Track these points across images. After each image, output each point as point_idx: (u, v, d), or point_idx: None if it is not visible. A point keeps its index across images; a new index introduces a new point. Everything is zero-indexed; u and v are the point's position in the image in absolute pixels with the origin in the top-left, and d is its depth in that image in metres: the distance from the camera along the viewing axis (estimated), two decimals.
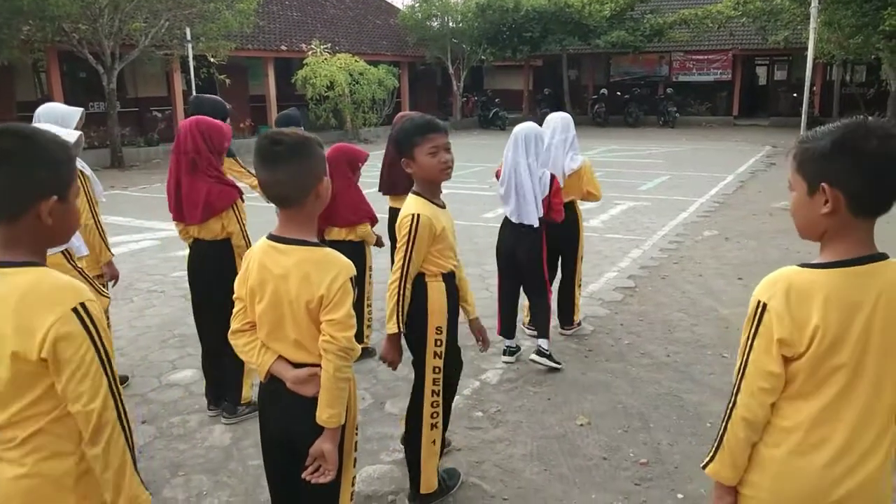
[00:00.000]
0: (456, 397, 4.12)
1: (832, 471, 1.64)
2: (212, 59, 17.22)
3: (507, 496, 3.24)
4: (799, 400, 1.66)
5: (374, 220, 4.64)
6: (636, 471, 3.43)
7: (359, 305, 4.64)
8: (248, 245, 3.65)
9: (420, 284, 2.93)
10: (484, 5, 24.87)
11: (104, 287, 4.13)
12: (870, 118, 1.62)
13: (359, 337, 4.72)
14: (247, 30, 18.05)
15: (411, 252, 2.85)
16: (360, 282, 4.64)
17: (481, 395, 4.26)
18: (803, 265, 1.65)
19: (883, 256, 1.64)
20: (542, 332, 4.68)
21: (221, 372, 3.96)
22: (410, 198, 2.93)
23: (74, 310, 1.50)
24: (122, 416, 1.58)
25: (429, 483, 3.08)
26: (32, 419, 1.53)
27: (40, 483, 1.54)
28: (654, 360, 4.77)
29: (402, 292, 2.89)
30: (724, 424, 1.74)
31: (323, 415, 2.07)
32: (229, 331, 2.28)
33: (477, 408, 4.10)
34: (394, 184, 5.04)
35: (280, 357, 2.15)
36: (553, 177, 4.55)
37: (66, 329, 1.49)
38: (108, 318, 4.35)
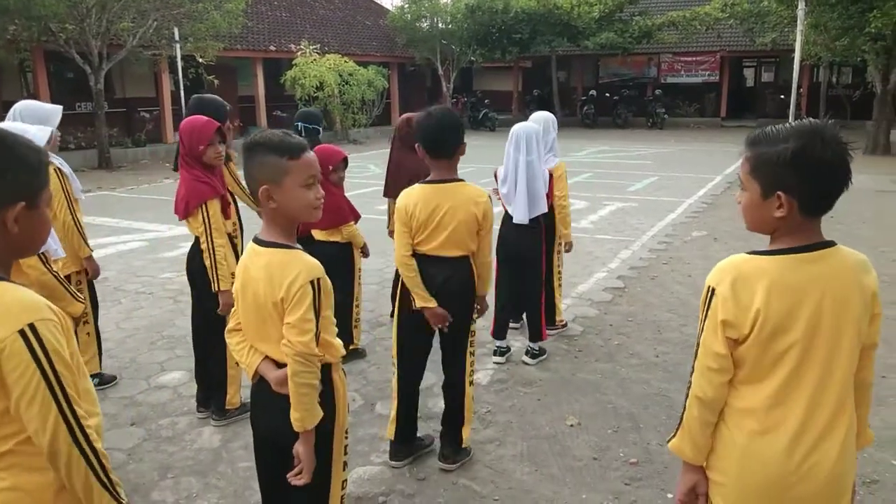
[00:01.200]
0: None
1: (793, 455, 1.69)
2: (200, 60, 17.15)
3: (498, 497, 3.24)
4: (754, 383, 1.74)
5: (356, 217, 4.62)
6: (626, 471, 3.44)
7: (347, 307, 4.65)
8: (212, 248, 3.60)
9: (470, 265, 3.27)
10: (473, 6, 24.89)
11: (80, 290, 4.09)
12: (816, 121, 1.67)
13: (347, 338, 4.75)
14: (235, 30, 17.97)
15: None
16: (348, 283, 4.63)
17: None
18: (752, 252, 1.73)
19: (830, 244, 1.71)
20: (535, 334, 4.73)
21: (206, 374, 3.95)
22: (472, 186, 3.24)
23: (21, 331, 1.39)
24: (80, 440, 1.47)
25: (467, 436, 3.50)
26: (1, 440, 1.46)
27: (19, 497, 1.48)
28: (643, 360, 4.79)
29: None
30: (684, 403, 1.84)
31: (291, 418, 2.06)
32: (226, 328, 2.29)
33: None
34: (399, 187, 5.04)
35: (267, 358, 2.16)
36: (550, 175, 4.66)
37: (9, 352, 1.38)
38: (95, 322, 4.34)
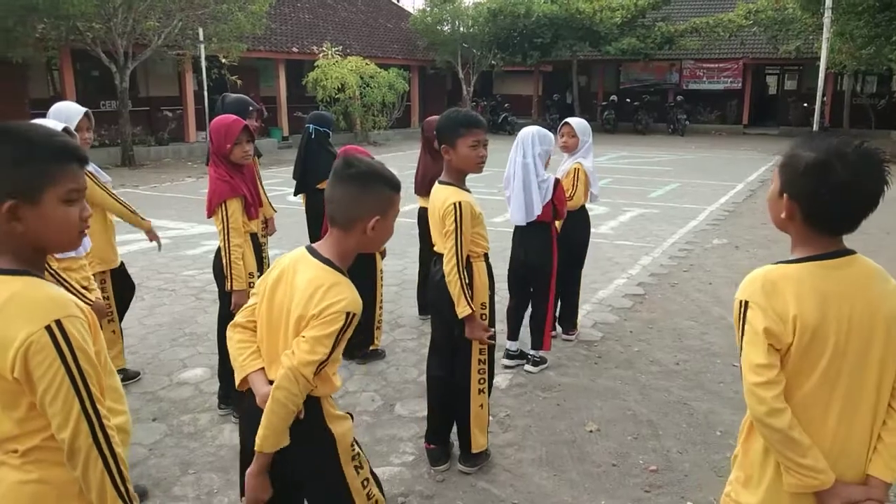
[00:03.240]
0: None
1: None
2: (223, 60, 17.30)
3: (517, 500, 3.24)
4: (790, 392, 1.69)
5: None
6: (646, 478, 3.43)
7: (371, 308, 4.67)
8: (228, 247, 3.63)
9: (466, 265, 3.18)
10: (495, 10, 24.91)
11: (103, 289, 4.16)
12: (858, 143, 1.64)
13: (369, 340, 4.77)
14: (258, 31, 18.12)
15: (460, 237, 3.10)
16: (370, 285, 4.65)
17: (491, 400, 4.24)
18: (775, 263, 1.73)
19: (850, 252, 1.71)
20: (537, 342, 4.65)
21: (228, 371, 3.99)
22: (444, 188, 3.19)
23: (48, 327, 1.41)
24: (100, 440, 1.47)
25: (478, 443, 3.42)
26: (27, 436, 1.48)
27: (46, 490, 1.50)
28: (663, 367, 4.77)
29: (462, 275, 3.13)
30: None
31: (257, 434, 1.93)
32: (230, 322, 2.20)
33: None
34: (431, 185, 5.09)
35: (261, 370, 2.06)
36: (558, 181, 4.50)
37: (36, 348, 1.40)
38: (115, 318, 4.39)
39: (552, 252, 4.52)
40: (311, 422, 2.00)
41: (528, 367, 4.68)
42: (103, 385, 1.52)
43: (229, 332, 2.17)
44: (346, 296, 1.95)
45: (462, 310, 3.13)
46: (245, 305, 2.18)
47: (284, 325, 1.99)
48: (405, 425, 3.92)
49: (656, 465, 3.53)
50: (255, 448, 1.94)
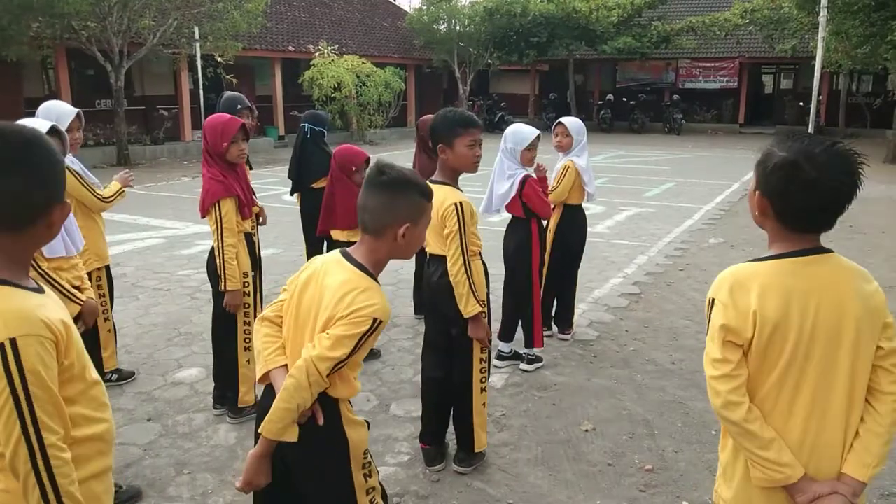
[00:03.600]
0: None
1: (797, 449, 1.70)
2: (219, 59, 17.27)
3: (512, 500, 3.24)
4: (755, 389, 1.72)
5: None
6: (641, 477, 3.43)
7: None
8: (221, 247, 3.62)
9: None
10: (492, 9, 24.90)
11: (99, 286, 4.16)
12: (829, 144, 1.66)
13: None
14: (254, 30, 18.09)
15: (464, 236, 3.13)
16: None
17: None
18: (749, 261, 1.77)
19: (825, 250, 1.72)
20: (528, 340, 4.64)
21: (220, 371, 3.99)
22: (440, 188, 3.06)
23: (0, 345, 1.35)
24: (40, 467, 1.39)
25: (480, 442, 3.43)
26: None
27: (10, 499, 1.45)
28: (659, 366, 4.77)
29: (469, 274, 3.15)
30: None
31: (265, 419, 1.93)
32: (259, 315, 2.19)
33: None
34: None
35: (283, 367, 2.06)
36: (527, 178, 4.36)
37: None
38: (110, 317, 4.38)
39: (530, 249, 4.44)
40: (327, 424, 1.99)
41: (522, 365, 4.67)
42: (61, 408, 1.45)
43: (257, 325, 2.17)
44: (376, 302, 1.96)
45: (471, 309, 3.15)
46: (274, 300, 2.18)
47: (312, 325, 2.00)
48: (401, 425, 3.92)
49: (652, 464, 3.54)
50: (259, 430, 1.94)
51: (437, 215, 3.07)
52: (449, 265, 3.16)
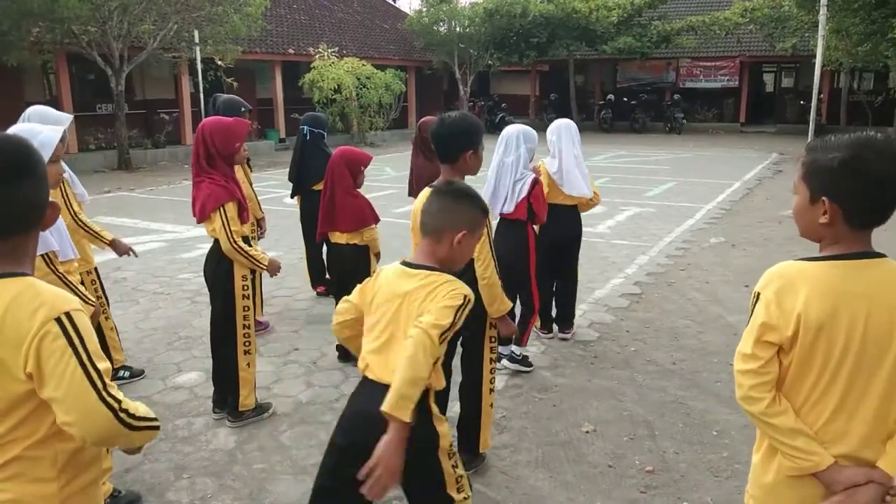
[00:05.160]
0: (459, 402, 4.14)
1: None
2: (219, 63, 17.28)
3: (512, 503, 3.23)
4: (795, 389, 1.72)
5: (376, 221, 4.61)
6: (642, 478, 3.41)
7: None
8: (236, 246, 3.64)
9: (469, 268, 3.13)
10: (491, 10, 24.90)
11: (95, 289, 4.21)
12: (878, 135, 1.67)
13: None
14: (254, 33, 18.11)
15: (490, 238, 3.19)
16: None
17: None
18: (799, 259, 1.74)
19: (879, 255, 1.70)
20: (517, 337, 4.52)
21: (220, 374, 3.98)
22: None
23: (58, 319, 1.44)
24: (126, 418, 1.49)
25: (486, 442, 3.48)
26: (10, 444, 1.47)
27: None
28: (660, 367, 4.76)
29: (498, 275, 3.21)
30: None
31: (387, 400, 1.93)
32: (334, 321, 2.41)
33: None
34: (421, 184, 5.10)
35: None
36: (536, 181, 4.32)
37: (50, 338, 1.42)
38: (109, 315, 4.42)
39: (528, 250, 4.33)
40: (419, 419, 2.04)
41: (504, 361, 4.61)
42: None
43: (338, 333, 2.46)
44: (462, 285, 2.16)
45: (505, 306, 3.23)
46: (341, 307, 2.41)
47: (404, 332, 2.10)
48: None
49: (652, 465, 3.52)
50: (386, 410, 1.92)
51: None
52: (481, 268, 3.14)
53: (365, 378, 2.21)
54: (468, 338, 3.40)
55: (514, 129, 4.36)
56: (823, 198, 1.66)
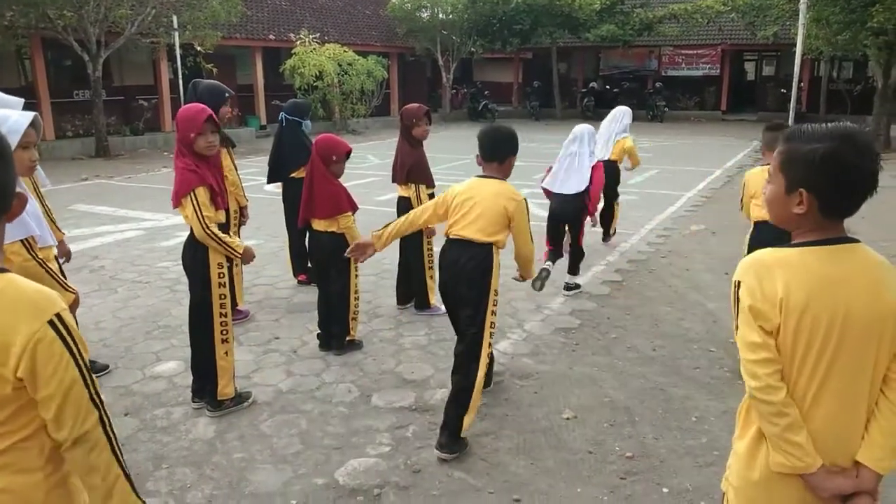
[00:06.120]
0: (442, 390, 4.15)
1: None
2: (199, 48, 17.05)
3: (493, 489, 3.23)
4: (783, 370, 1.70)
5: (354, 209, 4.59)
6: (622, 465, 3.43)
7: (345, 298, 4.63)
8: (208, 230, 3.60)
9: (492, 253, 3.50)
10: None
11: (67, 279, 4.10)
12: (856, 128, 1.67)
13: (345, 329, 4.73)
14: (233, 19, 17.87)
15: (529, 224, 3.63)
16: (344, 274, 4.61)
17: None
18: (775, 247, 1.73)
19: (852, 240, 1.70)
20: (574, 269, 6.13)
21: (198, 363, 3.94)
22: (503, 183, 3.56)
23: (51, 322, 1.40)
24: (107, 424, 1.52)
25: (468, 423, 3.54)
26: (3, 437, 1.45)
27: (10, 499, 1.46)
28: (640, 354, 4.78)
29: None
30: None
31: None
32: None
33: None
34: (408, 173, 5.24)
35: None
36: (594, 168, 5.92)
37: (44, 344, 1.40)
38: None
39: (585, 215, 6.10)
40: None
41: (565, 292, 6.03)
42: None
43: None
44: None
45: (533, 269, 3.86)
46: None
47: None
48: (381, 416, 3.90)
49: (632, 451, 3.54)
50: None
51: (506, 205, 3.45)
52: (523, 243, 3.60)
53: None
54: (468, 315, 3.51)
55: (588, 129, 5.99)
56: (801, 189, 1.66)
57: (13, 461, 1.46)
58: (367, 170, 13.41)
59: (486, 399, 4.11)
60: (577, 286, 6.09)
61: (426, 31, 25.84)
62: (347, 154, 4.57)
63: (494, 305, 3.54)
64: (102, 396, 1.52)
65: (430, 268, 5.42)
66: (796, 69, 12.90)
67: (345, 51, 21.21)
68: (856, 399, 1.68)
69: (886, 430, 1.68)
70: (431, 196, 5.29)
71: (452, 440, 3.47)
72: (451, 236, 3.55)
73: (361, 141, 19.29)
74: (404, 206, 5.26)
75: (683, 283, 6.35)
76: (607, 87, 27.50)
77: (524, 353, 4.77)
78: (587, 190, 5.86)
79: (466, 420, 3.50)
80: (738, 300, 1.72)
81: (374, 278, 6.40)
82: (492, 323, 3.55)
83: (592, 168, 5.89)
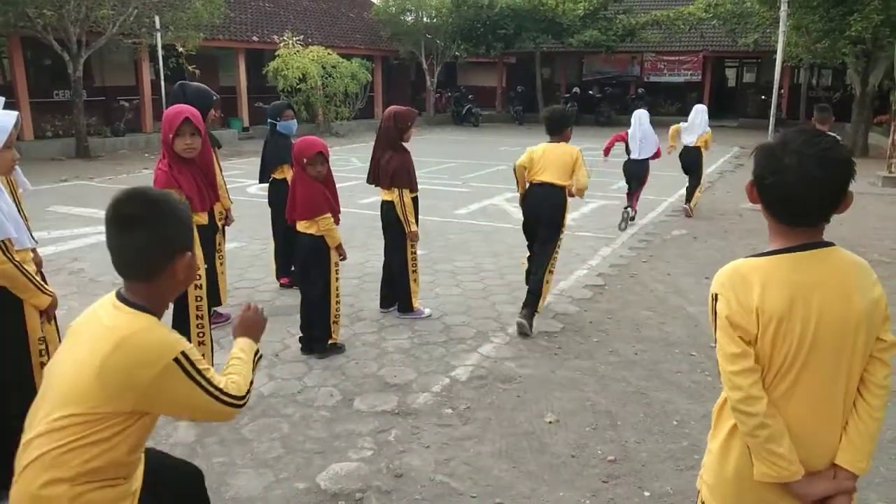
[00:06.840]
0: (425, 394, 4.14)
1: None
2: (181, 50, 16.93)
3: (476, 493, 3.23)
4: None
5: (334, 213, 4.55)
6: (604, 468, 3.44)
7: (326, 301, 4.61)
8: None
9: (564, 193, 5.18)
10: (458, 1, 24.84)
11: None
12: (799, 133, 1.67)
13: (326, 333, 4.71)
14: (216, 20, 17.76)
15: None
16: (325, 275, 4.58)
17: (451, 392, 4.24)
18: (749, 256, 1.76)
19: (827, 244, 1.72)
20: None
21: None
22: (566, 144, 5.34)
23: (177, 360, 1.75)
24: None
25: (542, 307, 5.42)
26: (59, 431, 1.69)
27: None
28: (622, 358, 4.80)
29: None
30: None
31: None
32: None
33: (446, 405, 4.08)
34: (392, 177, 5.18)
35: None
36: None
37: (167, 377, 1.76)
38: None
39: (648, 169, 9.15)
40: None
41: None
42: None
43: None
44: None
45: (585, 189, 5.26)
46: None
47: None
48: (363, 420, 3.89)
49: (614, 455, 3.56)
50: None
51: (570, 157, 5.16)
52: (582, 179, 5.11)
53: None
54: (545, 235, 5.24)
55: (642, 112, 8.91)
56: (750, 179, 1.74)
57: (48, 465, 1.71)
58: (350, 173, 13.37)
59: (469, 403, 4.11)
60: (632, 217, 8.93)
61: (410, 35, 25.86)
62: (319, 154, 4.48)
63: (563, 230, 5.29)
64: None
65: (415, 271, 5.42)
66: (777, 76, 13.05)
67: (328, 53, 21.17)
68: (829, 403, 1.70)
69: (864, 432, 1.70)
70: (415, 200, 5.29)
71: (532, 317, 5.13)
72: (534, 182, 5.17)
73: (345, 143, 19.25)
74: (388, 209, 5.25)
75: (665, 287, 6.39)
76: (590, 92, 27.64)
77: (507, 357, 4.77)
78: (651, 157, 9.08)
79: (540, 304, 5.27)
80: (715, 312, 1.73)
81: (357, 281, 6.39)
82: (560, 239, 5.31)
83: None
